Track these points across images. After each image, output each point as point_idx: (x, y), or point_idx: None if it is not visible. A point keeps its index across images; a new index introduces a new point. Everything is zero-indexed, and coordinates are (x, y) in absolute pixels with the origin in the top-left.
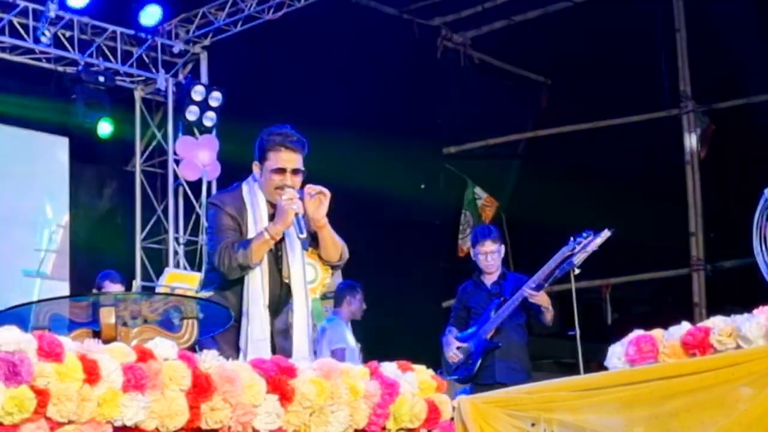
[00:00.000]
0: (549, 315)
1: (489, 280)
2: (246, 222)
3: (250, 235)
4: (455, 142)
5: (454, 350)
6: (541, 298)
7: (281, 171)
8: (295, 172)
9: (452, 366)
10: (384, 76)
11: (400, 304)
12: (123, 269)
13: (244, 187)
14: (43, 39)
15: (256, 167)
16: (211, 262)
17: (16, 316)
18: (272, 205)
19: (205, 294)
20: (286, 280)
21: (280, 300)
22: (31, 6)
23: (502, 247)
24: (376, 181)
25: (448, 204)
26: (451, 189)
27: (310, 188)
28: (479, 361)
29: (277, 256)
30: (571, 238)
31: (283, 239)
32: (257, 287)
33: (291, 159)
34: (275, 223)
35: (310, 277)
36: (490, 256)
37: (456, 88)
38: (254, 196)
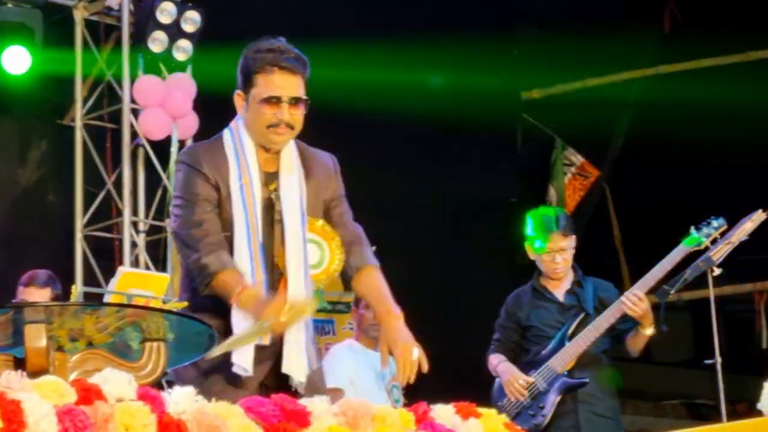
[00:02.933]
0: (642, 341)
1: (558, 288)
2: (228, 184)
3: (235, 202)
4: (538, 83)
5: (517, 385)
6: (644, 315)
7: (275, 101)
8: (294, 102)
9: (510, 409)
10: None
11: (456, 314)
12: (56, 268)
13: (226, 135)
14: None
15: (239, 98)
16: (176, 242)
17: None
18: (264, 149)
19: (176, 304)
20: (279, 266)
21: (272, 290)
22: None
23: (574, 241)
24: (423, 142)
25: (527, 173)
26: (531, 151)
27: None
28: (554, 405)
29: (268, 230)
30: (693, 229)
31: (274, 207)
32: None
33: (288, 83)
34: (253, 305)
35: (313, 260)
36: (560, 255)
37: (539, 5)
38: (239, 143)
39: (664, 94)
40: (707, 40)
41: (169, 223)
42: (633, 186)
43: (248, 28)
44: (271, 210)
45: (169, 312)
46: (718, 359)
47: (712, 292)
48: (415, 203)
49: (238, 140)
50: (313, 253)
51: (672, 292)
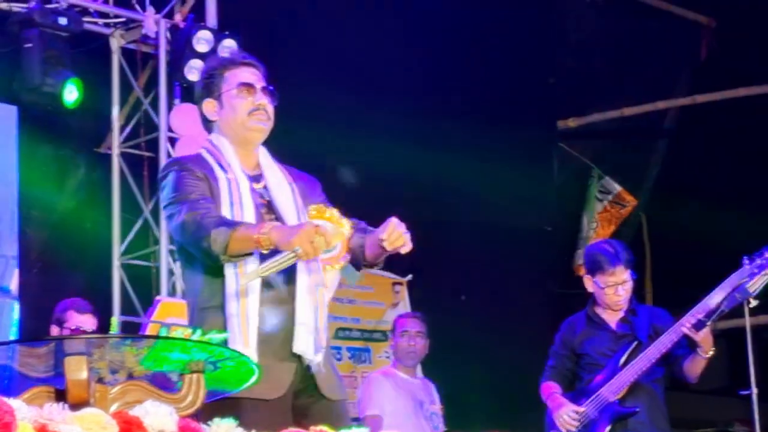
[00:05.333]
0: (701, 365)
1: (612, 317)
2: (217, 182)
3: (224, 199)
4: (575, 112)
5: (568, 416)
6: (704, 339)
7: (249, 87)
8: (265, 91)
9: None
10: (471, 19)
11: (492, 341)
12: (93, 296)
13: (202, 151)
14: None
15: (208, 104)
16: (177, 239)
17: None
18: (243, 148)
19: (217, 336)
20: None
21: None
22: None
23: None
24: (458, 170)
25: (563, 201)
26: (567, 179)
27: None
28: None
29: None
30: (746, 260)
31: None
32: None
33: (255, 75)
34: (278, 233)
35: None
36: (623, 287)
37: (576, 34)
38: (218, 149)
39: (700, 123)
40: (744, 69)
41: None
42: (668, 215)
43: (284, 56)
44: (260, 208)
45: (208, 344)
46: (754, 389)
47: (748, 323)
48: (450, 231)
49: (216, 149)
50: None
51: (708, 323)
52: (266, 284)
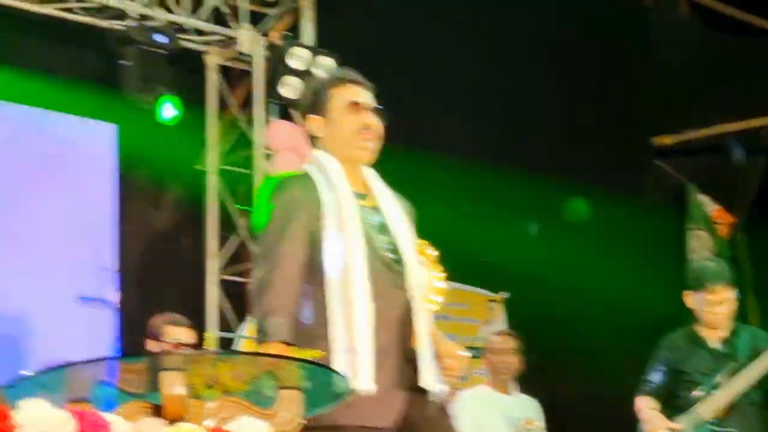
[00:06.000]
0: None
1: (713, 336)
2: (323, 212)
3: (329, 237)
4: (670, 129)
5: None
6: None
7: (359, 105)
8: (374, 110)
9: None
10: (565, 34)
11: (592, 359)
12: (191, 312)
13: (310, 170)
14: None
15: (315, 121)
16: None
17: (46, 383)
18: (350, 165)
19: (312, 352)
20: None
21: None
22: None
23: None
24: (547, 193)
25: (657, 221)
26: (661, 197)
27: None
28: None
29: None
30: None
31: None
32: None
33: (364, 94)
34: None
35: (423, 281)
36: (724, 306)
37: (671, 49)
38: (324, 166)
39: None
40: None
41: None
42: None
43: (379, 74)
44: (367, 226)
45: (304, 360)
46: None
47: None
48: (542, 250)
49: (324, 167)
50: (423, 274)
51: None
52: (381, 315)
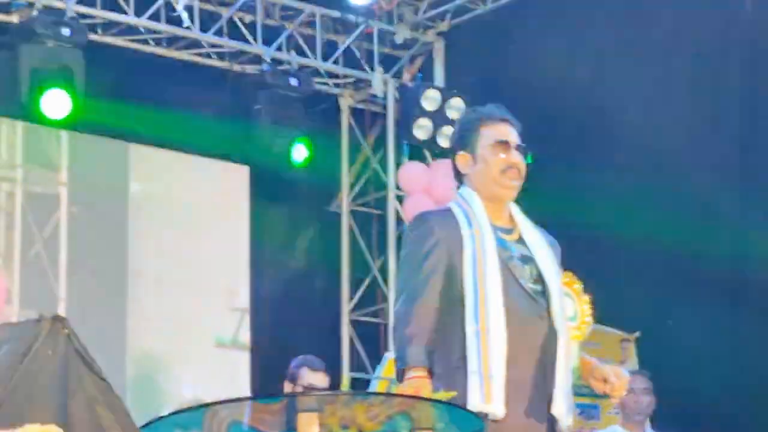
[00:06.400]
0: None
1: None
2: (462, 254)
3: (467, 271)
4: None
5: None
6: None
7: (505, 144)
8: (519, 149)
9: None
10: (704, 66)
11: (725, 400)
12: (323, 352)
13: (454, 206)
14: (184, 16)
15: (462, 158)
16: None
17: (184, 423)
18: (492, 202)
19: (445, 393)
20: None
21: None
22: None
23: None
24: (694, 215)
25: None
26: None
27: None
28: None
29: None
30: None
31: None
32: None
33: (510, 132)
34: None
35: (568, 313)
36: None
37: None
38: (468, 203)
39: None
40: None
41: None
42: None
43: (516, 116)
44: (508, 262)
45: (437, 401)
46: None
47: None
48: (680, 287)
49: (464, 201)
50: (567, 305)
51: None
52: (518, 345)
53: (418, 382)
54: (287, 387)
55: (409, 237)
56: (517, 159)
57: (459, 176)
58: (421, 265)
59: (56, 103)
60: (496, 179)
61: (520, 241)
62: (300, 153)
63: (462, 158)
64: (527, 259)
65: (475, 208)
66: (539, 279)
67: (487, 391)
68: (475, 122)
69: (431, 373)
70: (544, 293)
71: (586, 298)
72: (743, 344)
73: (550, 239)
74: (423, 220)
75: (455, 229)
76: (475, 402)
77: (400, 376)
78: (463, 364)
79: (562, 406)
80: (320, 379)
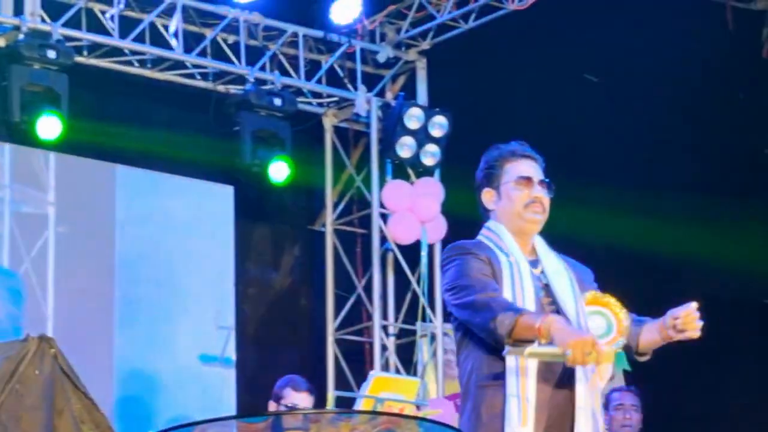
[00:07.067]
0: None
1: None
2: (501, 275)
3: (506, 280)
4: None
5: None
6: None
7: (527, 180)
8: (542, 183)
9: None
10: (682, 86)
11: (715, 415)
12: (307, 371)
13: (484, 239)
14: (173, 43)
15: (487, 194)
16: (463, 318)
17: None
18: (518, 236)
19: (430, 411)
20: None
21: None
22: (182, 1)
23: None
24: (678, 236)
25: None
26: None
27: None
28: None
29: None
30: None
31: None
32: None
33: (533, 168)
34: (557, 329)
35: (599, 331)
36: None
37: None
38: (497, 235)
39: None
40: None
41: (422, 330)
42: None
43: (493, 132)
44: (539, 292)
45: (423, 419)
46: None
47: None
48: (672, 300)
49: (493, 234)
50: (598, 324)
51: None
52: (546, 366)
53: (557, 324)
54: (272, 407)
55: (451, 258)
56: (540, 193)
57: (486, 212)
58: (470, 269)
59: (47, 124)
60: (520, 213)
61: (544, 273)
62: (281, 172)
63: (487, 194)
64: (547, 289)
65: (505, 239)
66: (552, 304)
67: (524, 414)
68: (499, 159)
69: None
70: None
71: (619, 305)
72: (730, 362)
73: (577, 266)
74: (461, 246)
75: (493, 255)
76: (513, 424)
77: (508, 335)
78: (498, 384)
79: (584, 427)
80: (304, 399)
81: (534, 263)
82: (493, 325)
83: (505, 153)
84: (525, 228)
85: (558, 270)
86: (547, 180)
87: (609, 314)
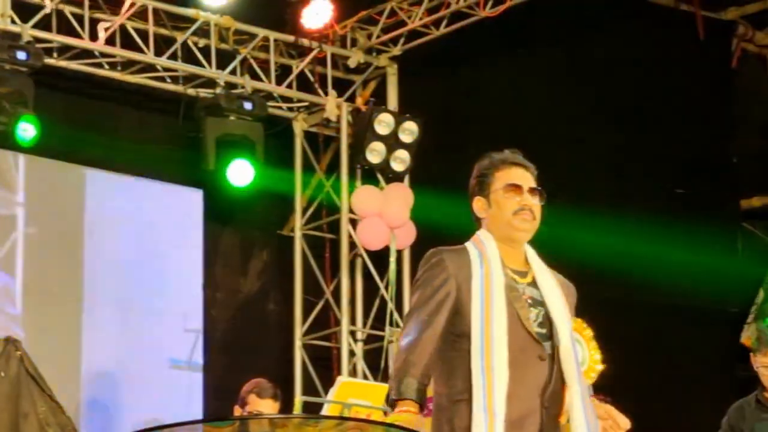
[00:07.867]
0: None
1: None
2: (470, 288)
3: (474, 308)
4: (759, 190)
5: None
6: None
7: (516, 188)
8: (532, 191)
9: None
10: (653, 95)
11: (678, 424)
12: (275, 375)
13: (469, 245)
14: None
15: (479, 203)
16: None
17: None
18: (507, 245)
19: (397, 417)
20: (554, 363)
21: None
22: (152, 4)
23: None
24: (638, 248)
25: (747, 283)
26: (752, 261)
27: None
28: None
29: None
30: None
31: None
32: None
33: (524, 176)
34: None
35: (578, 358)
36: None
37: (761, 110)
38: (483, 244)
39: None
40: None
41: (390, 335)
42: None
43: (464, 137)
44: (514, 302)
45: (391, 425)
46: None
47: None
48: (634, 311)
49: (481, 242)
50: (577, 351)
51: None
52: (517, 381)
53: (410, 417)
54: (237, 411)
55: (422, 269)
56: (530, 201)
57: (478, 221)
58: (430, 298)
59: (23, 128)
60: (509, 221)
61: (533, 284)
62: (242, 175)
63: (478, 203)
64: (537, 303)
65: (488, 249)
66: (546, 322)
67: (491, 428)
68: (490, 168)
69: (421, 408)
70: (551, 337)
71: (595, 344)
72: (692, 371)
73: (565, 283)
74: (437, 254)
75: (467, 267)
76: None
77: (391, 404)
78: (467, 398)
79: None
80: (268, 406)
81: (523, 274)
82: (395, 375)
83: (496, 161)
84: (514, 236)
85: (549, 281)
86: (538, 188)
87: (585, 346)
